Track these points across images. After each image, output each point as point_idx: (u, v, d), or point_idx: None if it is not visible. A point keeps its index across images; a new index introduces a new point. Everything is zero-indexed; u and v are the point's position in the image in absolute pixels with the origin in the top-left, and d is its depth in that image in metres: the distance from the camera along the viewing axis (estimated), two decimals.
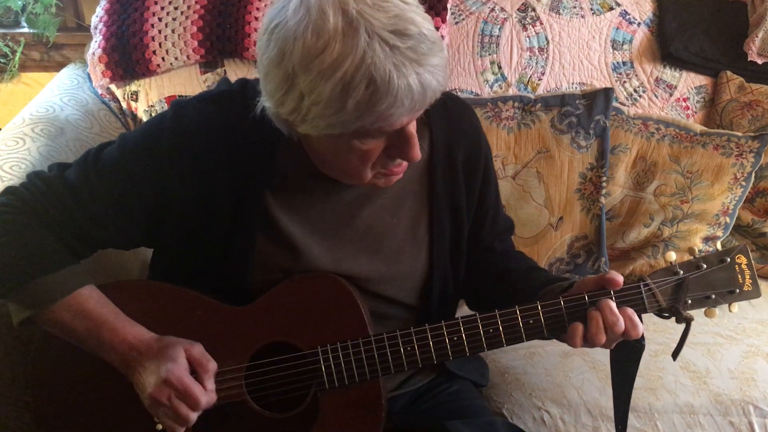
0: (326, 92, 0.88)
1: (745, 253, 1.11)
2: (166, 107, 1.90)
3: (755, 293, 1.11)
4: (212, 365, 1.05)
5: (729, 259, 1.09)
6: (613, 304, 1.04)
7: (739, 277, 1.10)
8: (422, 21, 0.90)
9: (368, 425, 1.11)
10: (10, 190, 1.11)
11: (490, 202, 1.28)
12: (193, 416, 1.02)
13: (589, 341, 1.05)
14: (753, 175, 1.87)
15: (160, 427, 1.10)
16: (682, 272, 1.09)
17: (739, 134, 1.87)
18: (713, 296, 1.10)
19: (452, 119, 1.20)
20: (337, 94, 0.87)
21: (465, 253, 1.26)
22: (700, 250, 1.85)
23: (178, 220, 1.11)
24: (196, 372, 1.04)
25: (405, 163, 1.05)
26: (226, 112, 1.10)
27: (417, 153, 1.00)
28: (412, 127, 0.98)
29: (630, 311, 1.04)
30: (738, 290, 1.10)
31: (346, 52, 0.85)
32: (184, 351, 1.04)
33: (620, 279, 1.06)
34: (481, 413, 1.27)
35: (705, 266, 1.09)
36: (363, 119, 0.90)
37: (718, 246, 1.13)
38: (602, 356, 1.55)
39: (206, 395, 1.03)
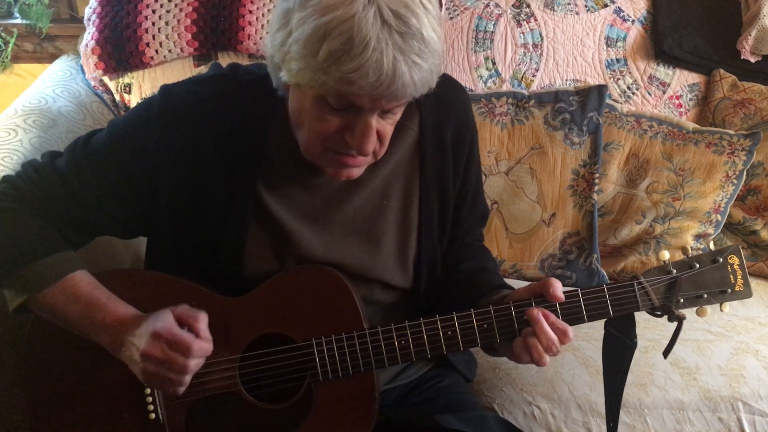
0: (308, 31, 0.89)
1: (738, 254, 1.11)
2: None
3: (747, 293, 1.12)
4: (201, 314, 1.04)
5: (722, 259, 1.10)
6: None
7: (731, 277, 1.11)
8: (428, 26, 0.91)
9: (361, 417, 1.12)
10: (5, 179, 1.11)
11: (471, 183, 1.28)
12: (191, 364, 1.00)
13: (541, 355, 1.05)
14: (744, 173, 1.88)
15: (153, 416, 1.10)
16: (675, 271, 1.09)
17: (732, 132, 1.88)
18: (705, 295, 1.10)
19: (443, 98, 1.19)
20: (317, 37, 0.89)
21: (449, 233, 1.26)
22: (692, 248, 1.87)
23: (170, 204, 1.10)
24: (187, 325, 1.02)
25: (360, 160, 1.04)
26: (217, 92, 1.10)
27: (366, 147, 0.99)
28: (374, 121, 0.98)
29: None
30: (730, 290, 1.11)
31: (342, 3, 0.88)
32: (170, 311, 1.03)
33: (557, 286, 1.07)
34: (473, 408, 1.28)
35: (698, 266, 1.10)
36: (328, 74, 0.90)
37: (711, 246, 1.14)
38: (593, 352, 1.56)
39: (198, 341, 1.01)
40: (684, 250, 1.12)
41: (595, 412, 1.46)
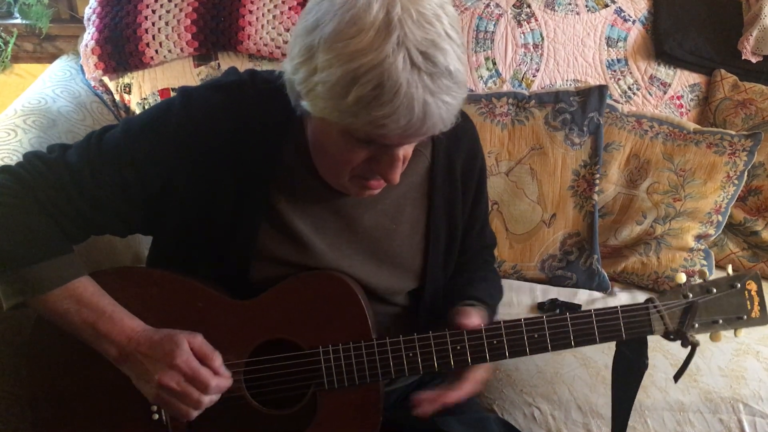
0: (336, 76, 0.88)
1: (756, 280, 1.10)
2: (159, 100, 1.90)
3: (763, 320, 1.11)
4: (216, 354, 1.05)
5: (739, 285, 1.09)
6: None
7: (748, 303, 1.10)
8: (455, 58, 0.89)
9: (365, 427, 1.11)
10: (6, 170, 1.07)
11: (479, 214, 1.29)
12: (205, 399, 1.02)
13: None
14: (745, 173, 1.87)
15: (156, 417, 1.10)
16: (691, 296, 1.08)
17: (732, 133, 1.88)
18: (721, 321, 1.09)
19: (454, 128, 1.20)
20: (345, 82, 0.88)
21: (455, 261, 1.27)
22: (692, 249, 1.87)
23: (179, 207, 1.09)
24: (201, 362, 1.04)
25: (384, 183, 1.04)
26: (235, 101, 1.09)
27: (395, 177, 1.00)
28: (401, 152, 0.98)
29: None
30: (746, 316, 1.10)
31: (371, 48, 0.86)
32: (186, 341, 1.03)
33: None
34: (473, 409, 1.28)
35: (715, 291, 1.09)
36: (357, 117, 0.89)
37: (729, 271, 1.12)
38: (593, 353, 1.56)
39: (217, 378, 1.03)
40: (701, 273, 1.11)
41: (595, 413, 1.46)
